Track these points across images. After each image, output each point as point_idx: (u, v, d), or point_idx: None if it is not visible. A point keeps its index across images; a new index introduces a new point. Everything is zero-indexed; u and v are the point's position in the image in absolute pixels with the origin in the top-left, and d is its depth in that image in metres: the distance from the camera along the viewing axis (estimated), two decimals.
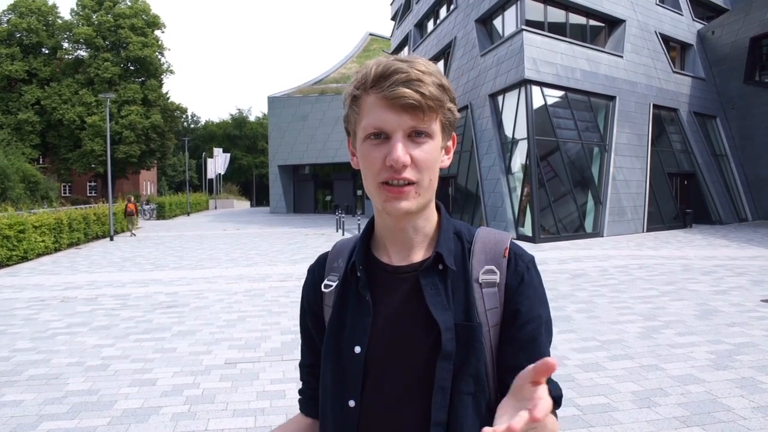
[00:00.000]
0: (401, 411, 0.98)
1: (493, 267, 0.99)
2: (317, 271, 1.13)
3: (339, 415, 1.01)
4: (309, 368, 1.14)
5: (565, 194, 17.89)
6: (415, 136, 0.93)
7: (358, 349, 0.99)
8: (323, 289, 1.08)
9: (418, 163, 0.92)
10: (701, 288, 9.01)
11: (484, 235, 1.04)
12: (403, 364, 0.98)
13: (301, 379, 1.18)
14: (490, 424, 0.70)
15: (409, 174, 0.92)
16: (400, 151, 0.90)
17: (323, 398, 1.05)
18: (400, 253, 1.03)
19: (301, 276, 10.87)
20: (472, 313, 0.98)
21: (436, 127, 0.95)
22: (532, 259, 1.03)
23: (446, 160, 1.02)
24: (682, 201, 22.35)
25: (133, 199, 23.72)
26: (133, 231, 22.75)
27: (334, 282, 1.07)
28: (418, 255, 1.03)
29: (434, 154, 0.95)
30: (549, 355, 0.86)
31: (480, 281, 0.99)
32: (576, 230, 17.52)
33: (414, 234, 1.02)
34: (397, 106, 0.91)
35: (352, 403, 0.99)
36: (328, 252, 1.15)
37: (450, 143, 1.01)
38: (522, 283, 0.99)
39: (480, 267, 1.00)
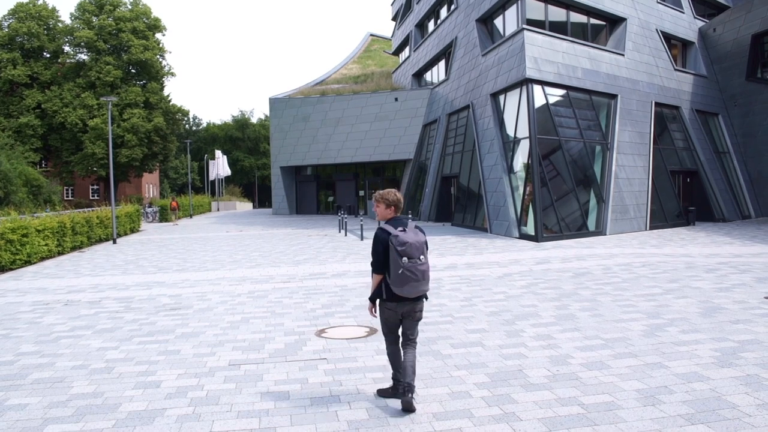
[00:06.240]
0: None
1: None
2: None
3: None
4: None
5: (567, 193, 17.87)
6: None
7: None
8: None
9: None
10: (705, 285, 8.99)
11: None
12: None
13: None
14: None
15: None
16: None
17: None
18: None
19: (304, 277, 10.86)
20: None
21: None
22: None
23: None
24: (684, 199, 22.32)
25: (174, 197, 37.39)
26: (175, 222, 30.16)
27: None
28: None
29: None
30: None
31: None
32: (579, 229, 17.49)
33: None
34: None
35: None
36: None
37: None
38: None
39: None
